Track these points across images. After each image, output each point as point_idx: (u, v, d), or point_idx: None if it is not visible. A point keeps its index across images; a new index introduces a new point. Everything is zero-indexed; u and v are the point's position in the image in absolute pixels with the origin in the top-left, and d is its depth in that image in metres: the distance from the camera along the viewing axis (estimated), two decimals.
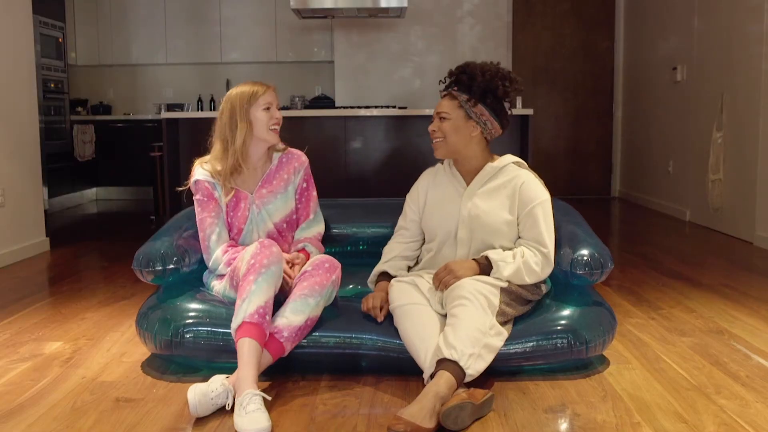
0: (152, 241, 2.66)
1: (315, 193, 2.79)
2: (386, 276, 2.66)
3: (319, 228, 2.79)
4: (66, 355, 2.73)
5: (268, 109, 2.60)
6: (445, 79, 2.61)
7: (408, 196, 2.73)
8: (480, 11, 7.63)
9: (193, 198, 2.66)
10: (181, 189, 2.74)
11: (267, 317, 2.26)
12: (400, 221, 2.74)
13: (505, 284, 2.40)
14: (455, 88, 2.55)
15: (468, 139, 2.53)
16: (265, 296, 2.28)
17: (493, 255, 2.44)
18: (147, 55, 8.18)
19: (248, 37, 8.04)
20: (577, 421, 2.10)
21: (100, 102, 8.36)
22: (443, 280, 2.40)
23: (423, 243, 2.71)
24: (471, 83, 2.51)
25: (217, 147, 2.62)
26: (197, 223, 2.65)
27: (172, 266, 2.56)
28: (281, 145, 2.74)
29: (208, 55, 8.12)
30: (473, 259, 2.46)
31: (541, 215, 2.48)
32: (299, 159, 2.75)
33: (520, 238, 2.51)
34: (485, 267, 2.43)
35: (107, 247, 5.18)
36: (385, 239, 2.81)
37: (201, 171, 2.62)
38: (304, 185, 2.75)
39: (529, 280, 2.44)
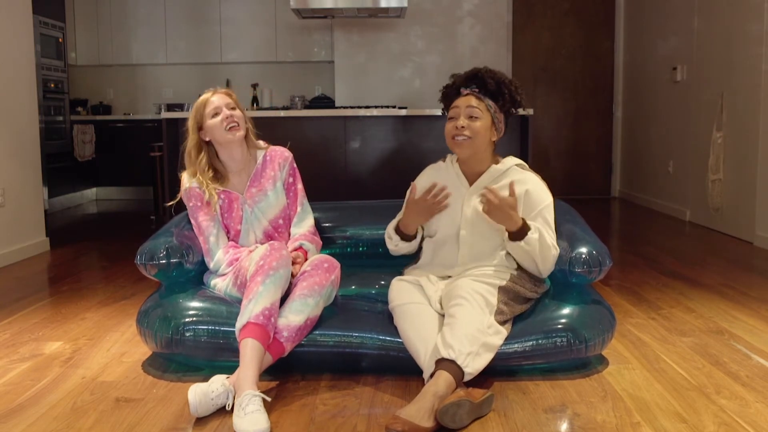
0: (155, 238, 2.67)
1: (301, 186, 2.79)
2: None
3: (310, 220, 2.79)
4: (66, 355, 2.73)
5: (217, 114, 2.62)
6: (456, 78, 2.57)
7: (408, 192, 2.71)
8: (480, 11, 7.63)
9: (187, 207, 2.69)
10: (170, 204, 2.75)
11: (272, 319, 2.26)
12: (398, 215, 2.70)
13: (503, 283, 2.40)
14: (477, 90, 2.52)
15: (488, 142, 2.54)
16: (272, 298, 2.29)
17: (536, 224, 2.43)
18: (147, 55, 8.18)
19: (248, 37, 8.04)
20: (577, 421, 2.10)
21: (100, 102, 8.36)
22: (491, 198, 2.36)
23: (422, 239, 2.69)
24: (500, 92, 2.51)
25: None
26: (195, 228, 2.68)
27: (176, 260, 2.57)
28: (263, 144, 2.76)
29: (208, 55, 8.11)
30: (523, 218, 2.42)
31: (547, 218, 2.50)
32: (282, 155, 2.77)
33: None
34: (523, 228, 2.40)
35: (107, 247, 5.18)
36: (384, 241, 2.80)
37: (189, 179, 2.66)
38: (291, 180, 2.76)
39: (542, 263, 2.44)
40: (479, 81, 2.52)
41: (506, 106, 2.54)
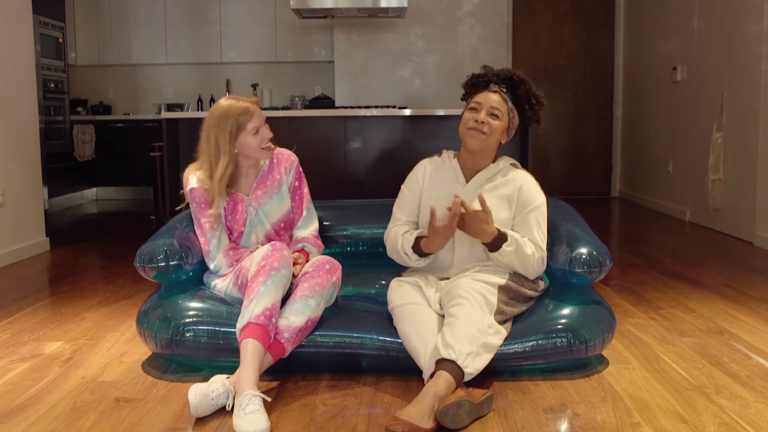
0: (154, 240, 2.66)
1: (307, 190, 2.78)
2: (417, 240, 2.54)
3: (314, 224, 2.78)
4: (66, 355, 2.73)
5: (256, 132, 2.58)
6: (488, 71, 2.56)
7: (404, 186, 2.68)
8: (480, 11, 7.63)
9: (191, 206, 2.67)
10: (179, 208, 2.75)
11: (273, 320, 2.26)
12: (396, 212, 2.66)
13: (503, 282, 2.40)
14: (505, 91, 2.53)
15: (496, 143, 2.55)
16: (273, 299, 2.29)
17: (513, 234, 2.43)
18: (147, 55, 8.18)
19: (248, 37, 8.04)
20: (577, 421, 2.10)
21: (100, 102, 8.36)
22: (456, 210, 2.34)
23: None
24: (527, 102, 2.53)
25: (204, 163, 2.60)
26: (196, 229, 2.66)
27: (175, 262, 2.56)
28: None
29: (208, 55, 8.11)
30: (497, 228, 2.41)
31: (539, 218, 2.50)
32: (289, 158, 2.75)
33: None
34: (498, 240, 2.40)
35: (107, 247, 5.18)
36: (383, 240, 2.80)
37: (195, 179, 2.62)
38: (296, 184, 2.75)
39: (524, 270, 2.45)
40: (511, 85, 2.53)
41: (524, 116, 2.57)
